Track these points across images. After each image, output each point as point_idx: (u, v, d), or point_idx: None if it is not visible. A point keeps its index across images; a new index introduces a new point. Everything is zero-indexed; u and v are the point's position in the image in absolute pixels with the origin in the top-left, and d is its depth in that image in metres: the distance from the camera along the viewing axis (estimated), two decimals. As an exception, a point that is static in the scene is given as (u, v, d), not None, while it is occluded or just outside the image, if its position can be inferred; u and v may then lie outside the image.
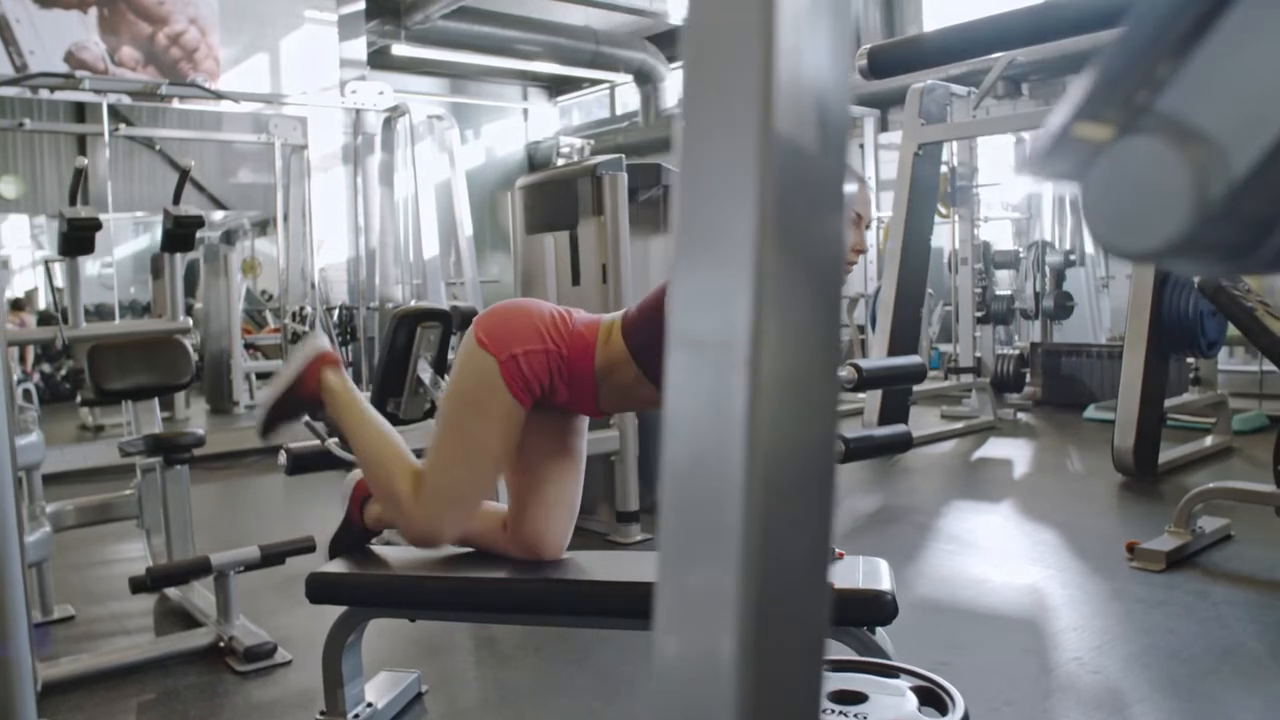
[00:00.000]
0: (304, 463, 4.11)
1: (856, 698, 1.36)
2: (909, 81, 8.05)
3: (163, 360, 3.55)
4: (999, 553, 3.78)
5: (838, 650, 1.87)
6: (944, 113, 6.40)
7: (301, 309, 6.88)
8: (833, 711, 1.33)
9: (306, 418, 3.93)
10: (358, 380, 6.84)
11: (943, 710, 1.34)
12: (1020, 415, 7.12)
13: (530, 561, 2.12)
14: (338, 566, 2.20)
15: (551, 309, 2.14)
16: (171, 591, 3.34)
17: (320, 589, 2.14)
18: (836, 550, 2.09)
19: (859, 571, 1.99)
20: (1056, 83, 7.48)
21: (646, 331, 2.02)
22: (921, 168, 6.22)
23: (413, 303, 6.35)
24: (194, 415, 8.15)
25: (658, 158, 6.46)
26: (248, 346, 9.26)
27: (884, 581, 1.94)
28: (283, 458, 4.03)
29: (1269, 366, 6.94)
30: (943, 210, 6.60)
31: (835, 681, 1.42)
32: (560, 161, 7.07)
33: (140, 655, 2.80)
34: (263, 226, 12.14)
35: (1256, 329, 3.36)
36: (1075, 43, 6.91)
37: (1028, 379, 7.42)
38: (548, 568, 2.09)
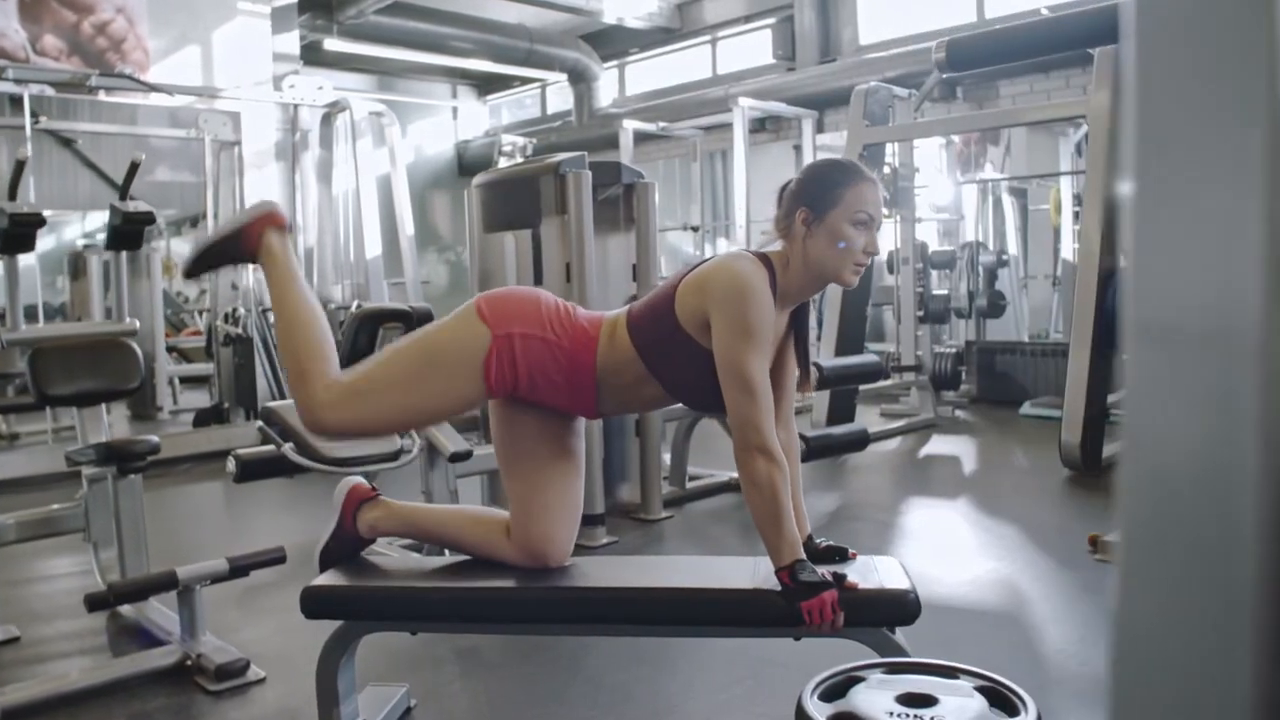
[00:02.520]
0: (254, 469, 3.96)
1: (926, 700, 1.34)
2: (845, 83, 8.16)
3: (110, 364, 3.37)
4: (964, 549, 3.83)
5: (866, 654, 1.85)
6: (886, 114, 6.48)
7: (234, 310, 6.63)
8: (905, 715, 1.30)
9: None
10: (297, 383, 6.62)
11: (1012, 711, 1.33)
12: (958, 412, 7.27)
13: (534, 569, 2.05)
14: (333, 579, 2.10)
15: (557, 300, 2.08)
16: (125, 608, 3.16)
17: (317, 603, 2.04)
18: (850, 550, 2.07)
19: (877, 571, 1.97)
20: (989, 86, 7.65)
21: (655, 329, 1.98)
22: (866, 169, 6.28)
23: (359, 304, 6.18)
24: (115, 422, 7.79)
25: (594, 157, 6.39)
26: (169, 350, 8.91)
27: (904, 580, 1.93)
28: (231, 464, 3.87)
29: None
30: (885, 211, 6.68)
31: (901, 684, 1.39)
32: (502, 160, 6.97)
33: (102, 677, 2.63)
34: (178, 226, 11.68)
35: (1213, 326, 3.46)
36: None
37: (963, 377, 7.58)
38: (554, 575, 2.02)
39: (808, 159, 8.73)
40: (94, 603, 2.71)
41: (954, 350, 7.34)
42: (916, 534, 4.14)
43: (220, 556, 2.82)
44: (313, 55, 8.70)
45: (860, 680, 1.42)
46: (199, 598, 2.79)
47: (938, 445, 6.19)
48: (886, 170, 6.63)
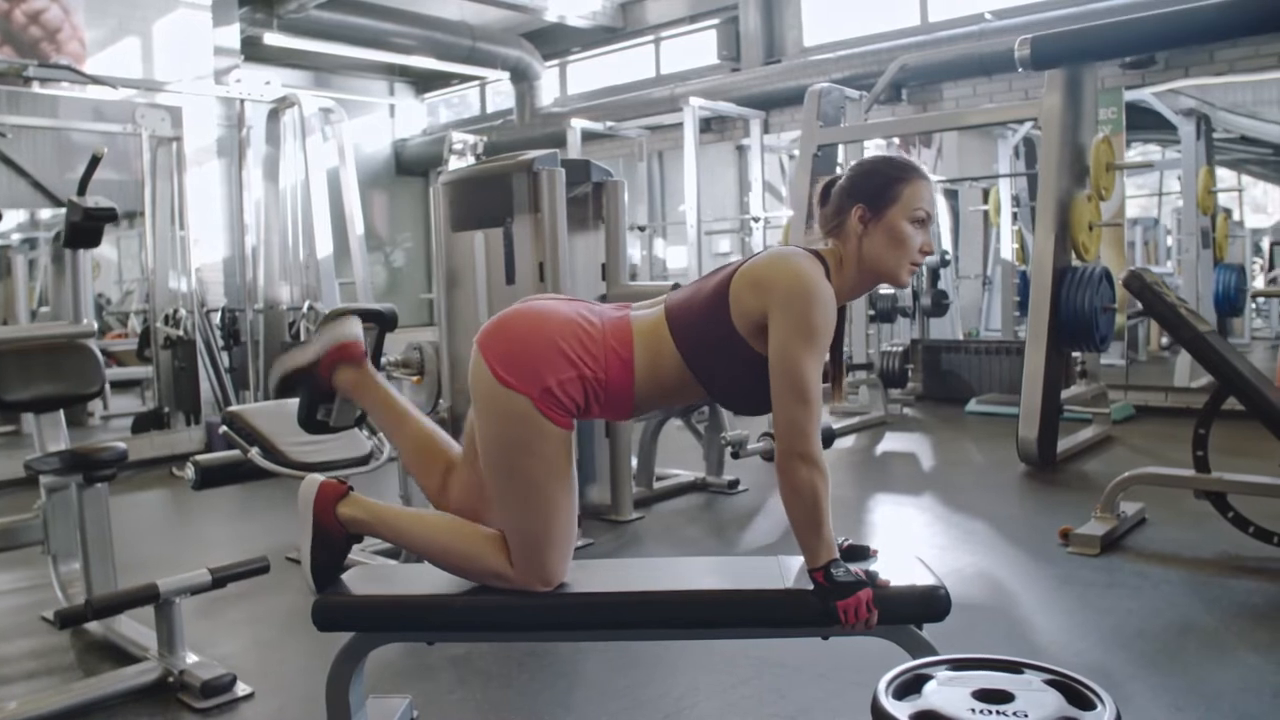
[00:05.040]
0: (214, 476, 3.82)
1: (1002, 696, 1.33)
2: (790, 84, 8.23)
3: (69, 367, 3.22)
4: (938, 544, 3.87)
5: (897, 652, 1.85)
6: (839, 115, 6.55)
7: (175, 312, 6.39)
8: (988, 712, 1.29)
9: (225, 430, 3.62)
10: (243, 382, 6.43)
11: (1087, 705, 1.33)
12: (906, 410, 7.38)
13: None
14: (343, 589, 2.01)
15: (569, 316, 1.90)
16: (92, 624, 3.01)
17: (329, 615, 1.95)
18: (871, 547, 2.06)
19: (901, 568, 1.97)
20: (934, 89, 7.79)
21: (706, 335, 1.87)
22: (820, 168, 6.34)
23: (310, 305, 6.01)
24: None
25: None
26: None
27: (930, 577, 1.93)
28: (190, 471, 3.71)
29: (1142, 359, 7.45)
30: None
31: (972, 681, 1.38)
32: (453, 158, 6.86)
33: (80, 697, 2.49)
34: (102, 225, 11.24)
35: (1179, 324, 3.56)
36: (954, 50, 7.23)
37: (909, 375, 7.70)
38: (578, 581, 1.97)
39: (754, 159, 8.78)
40: (67, 619, 2.58)
41: (901, 349, 7.45)
42: (888, 530, 4.17)
43: (176, 567, 2.71)
44: (250, 50, 8.44)
45: (930, 678, 1.41)
46: (178, 611, 2.67)
47: (892, 442, 6.27)
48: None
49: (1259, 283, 9.77)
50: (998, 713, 1.28)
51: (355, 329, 2.16)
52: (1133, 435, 5.99)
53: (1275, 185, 12.41)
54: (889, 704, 1.32)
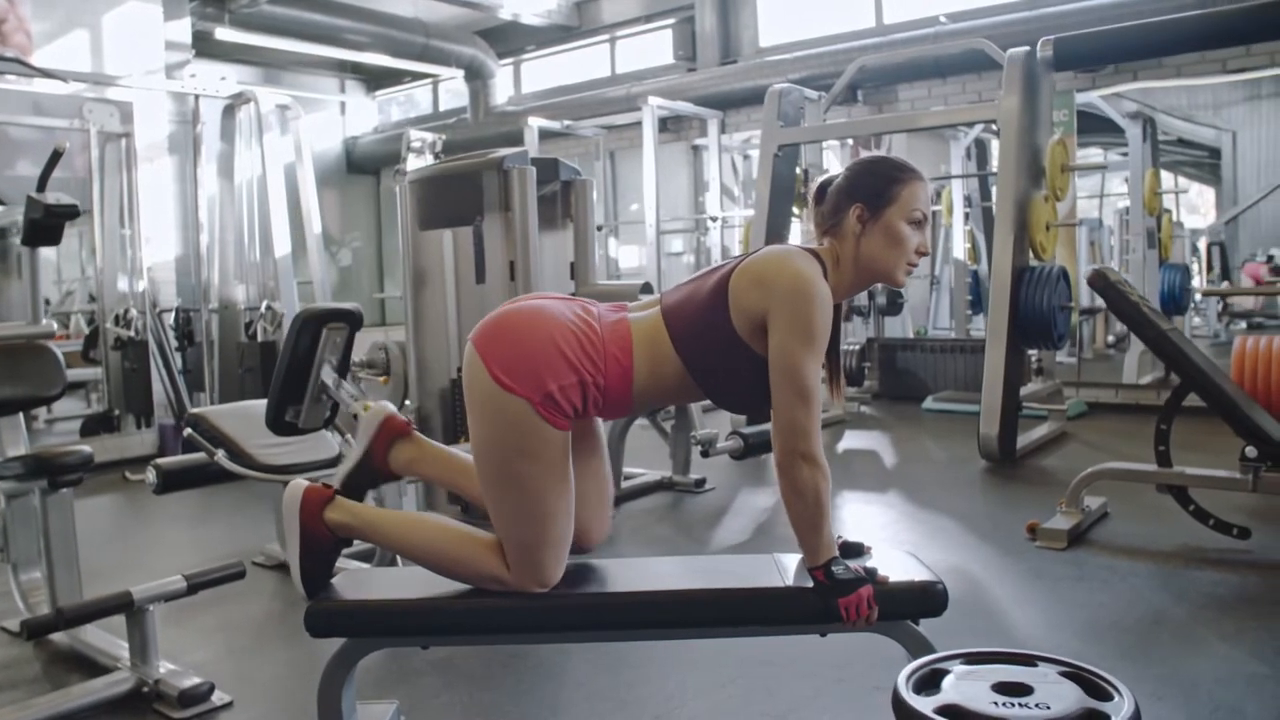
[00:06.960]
0: (177, 479, 3.73)
1: (1022, 689, 1.35)
2: (746, 84, 8.27)
3: (29, 369, 3.12)
4: (906, 541, 3.91)
5: (881, 649, 1.87)
6: (799, 115, 6.59)
7: (126, 312, 6.23)
8: (1010, 704, 1.31)
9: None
10: (199, 384, 6.29)
11: (1104, 697, 1.35)
12: (863, 408, 7.46)
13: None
14: (336, 594, 1.98)
15: (569, 318, 1.87)
16: (57, 634, 2.91)
17: (323, 620, 1.91)
18: (866, 545, 2.07)
19: (897, 564, 1.98)
20: (889, 90, 7.88)
21: (706, 340, 1.86)
22: (780, 168, 6.39)
23: (268, 305, 5.90)
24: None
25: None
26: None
27: (926, 572, 1.95)
28: (151, 474, 3.63)
29: (1088, 357, 7.60)
30: (796, 210, 6.80)
31: (989, 674, 1.40)
32: (412, 156, 6.76)
33: (50, 711, 2.41)
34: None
35: (1143, 322, 3.64)
36: (909, 52, 7.32)
37: (866, 373, 7.78)
38: (579, 583, 1.96)
39: (711, 159, 8.81)
40: (35, 628, 2.50)
41: (857, 347, 7.52)
42: (856, 528, 4.21)
43: (136, 573, 2.65)
44: (200, 45, 8.27)
45: (947, 673, 1.42)
46: (152, 619, 2.60)
47: (852, 440, 6.33)
48: (799, 172, 6.74)
49: (1197, 282, 10.05)
50: (1020, 705, 1.30)
51: (388, 405, 2.10)
52: (1087, 431, 6.12)
53: (1209, 187, 12.80)
54: (911, 699, 1.33)
